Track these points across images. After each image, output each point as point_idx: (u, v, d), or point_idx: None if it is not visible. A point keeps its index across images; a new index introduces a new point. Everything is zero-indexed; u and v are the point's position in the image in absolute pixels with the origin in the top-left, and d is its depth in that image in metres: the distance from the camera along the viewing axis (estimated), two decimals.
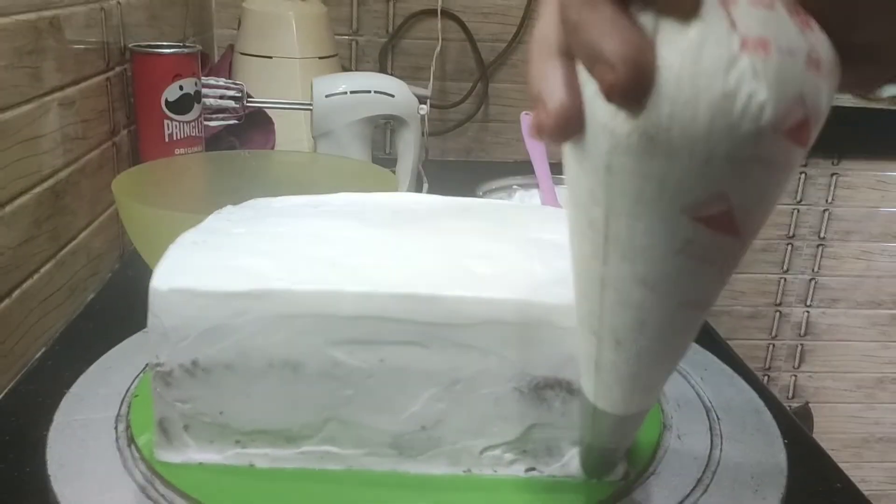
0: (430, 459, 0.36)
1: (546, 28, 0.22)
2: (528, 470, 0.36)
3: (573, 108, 0.21)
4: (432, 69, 1.05)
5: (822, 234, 1.24)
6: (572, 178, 0.23)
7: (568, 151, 0.23)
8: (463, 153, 1.15)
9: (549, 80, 0.22)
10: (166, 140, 0.70)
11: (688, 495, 0.36)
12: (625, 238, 0.22)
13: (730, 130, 0.19)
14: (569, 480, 0.35)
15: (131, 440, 0.38)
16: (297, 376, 0.34)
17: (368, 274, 0.35)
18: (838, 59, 0.20)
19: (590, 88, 0.21)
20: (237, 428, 0.35)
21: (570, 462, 0.35)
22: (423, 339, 0.34)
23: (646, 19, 0.20)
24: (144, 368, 0.44)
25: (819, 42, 0.20)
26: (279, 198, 0.45)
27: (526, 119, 0.78)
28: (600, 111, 0.21)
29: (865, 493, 0.40)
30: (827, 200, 1.23)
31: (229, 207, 0.43)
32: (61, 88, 0.56)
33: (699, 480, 0.37)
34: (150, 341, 0.35)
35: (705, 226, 0.21)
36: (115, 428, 0.39)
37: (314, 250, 0.37)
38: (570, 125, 0.22)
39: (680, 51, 0.19)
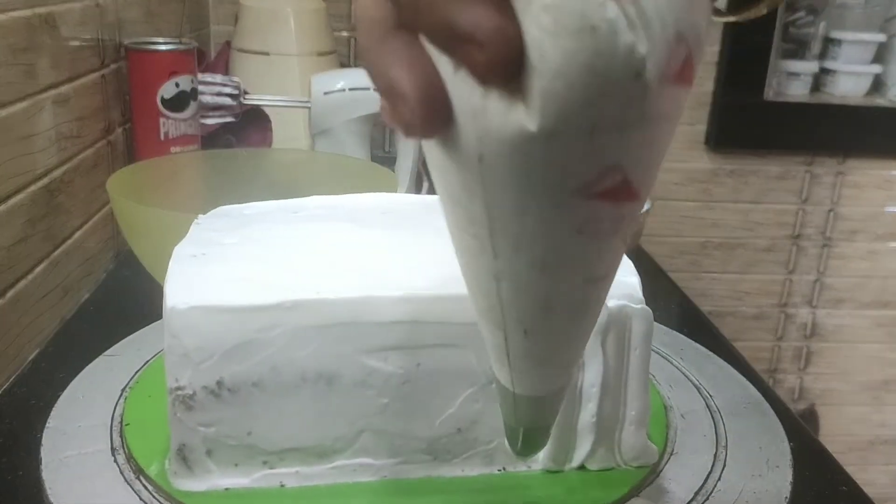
0: (466, 461, 0.35)
1: (371, 3, 0.18)
2: (559, 462, 0.36)
3: (438, 95, 0.18)
4: None
5: (827, 234, 1.23)
6: (440, 171, 0.20)
7: (430, 141, 0.20)
8: None
9: (399, 66, 0.18)
10: (162, 138, 0.70)
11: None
12: (514, 230, 0.20)
13: (612, 95, 0.16)
14: (601, 470, 0.36)
15: (139, 471, 0.36)
16: (330, 388, 0.33)
17: (398, 278, 0.34)
18: None
19: (446, 70, 0.18)
20: (265, 448, 0.34)
21: (596, 452, 0.36)
22: (458, 341, 0.33)
23: None
24: (123, 390, 0.42)
25: None
26: (248, 204, 0.43)
27: None
28: (464, 94, 0.18)
29: (871, 496, 0.39)
30: (832, 200, 1.22)
31: (202, 217, 0.42)
32: (56, 86, 0.56)
33: (708, 475, 0.37)
34: (169, 364, 0.33)
35: (602, 200, 0.19)
36: (115, 461, 0.37)
37: (329, 257, 0.36)
38: (439, 115, 0.18)
39: (536, 13, 0.16)
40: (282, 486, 0.35)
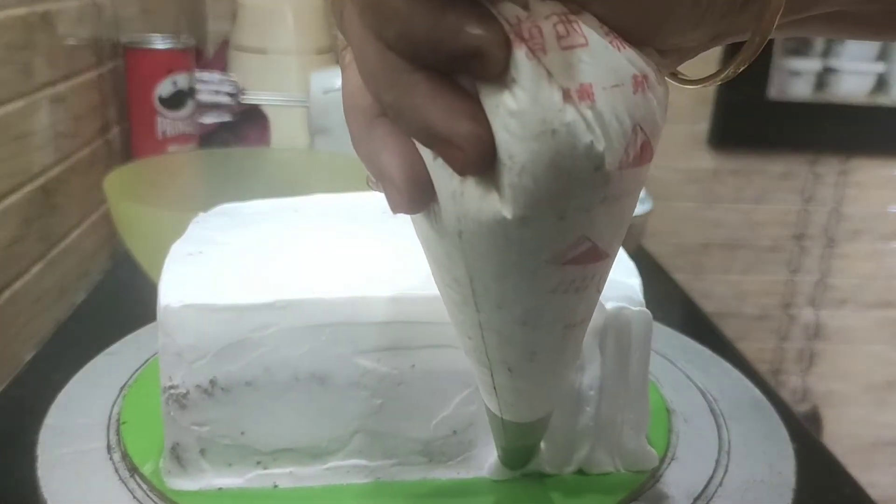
0: (461, 464, 0.35)
1: (355, 92, 0.20)
2: (557, 466, 0.36)
3: (421, 179, 0.20)
4: None
5: (830, 234, 1.23)
6: (426, 239, 0.22)
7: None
8: None
9: (386, 153, 0.20)
10: (159, 137, 0.70)
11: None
12: (494, 291, 0.22)
13: (576, 186, 0.18)
14: (599, 475, 0.35)
15: (133, 470, 0.36)
16: (324, 389, 0.33)
17: (393, 278, 0.34)
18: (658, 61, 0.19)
19: (427, 156, 0.20)
20: (259, 448, 0.34)
21: (595, 456, 0.35)
22: (453, 342, 0.33)
23: (466, 83, 0.18)
24: (122, 389, 0.42)
25: (636, 56, 0.19)
26: (248, 202, 0.43)
27: None
28: (444, 179, 0.19)
29: (875, 497, 0.39)
30: (836, 200, 1.21)
31: (202, 215, 0.42)
32: (52, 84, 0.56)
33: (710, 479, 0.37)
34: (162, 363, 0.33)
35: (574, 264, 0.21)
36: (111, 458, 0.37)
37: (326, 256, 0.36)
38: (422, 197, 0.20)
39: (503, 118, 0.18)
40: (275, 486, 0.34)
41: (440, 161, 0.19)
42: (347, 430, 0.34)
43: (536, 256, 0.20)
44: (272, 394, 0.33)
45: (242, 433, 0.34)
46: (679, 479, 0.36)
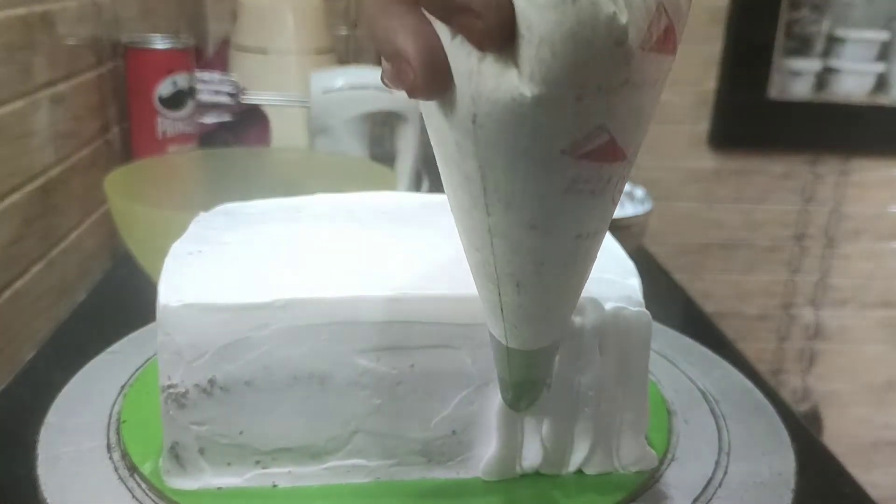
0: (461, 464, 0.35)
1: None
2: (556, 466, 0.35)
3: (439, 59, 0.19)
4: None
5: (831, 234, 1.23)
6: (437, 132, 0.22)
7: (429, 104, 0.21)
8: None
9: (403, 33, 0.20)
10: (159, 137, 0.70)
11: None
12: (505, 188, 0.21)
13: (596, 61, 0.18)
14: (598, 475, 0.35)
15: (133, 469, 0.36)
16: (323, 388, 0.33)
17: (393, 277, 0.34)
18: None
19: (445, 36, 0.19)
20: (258, 448, 0.34)
21: (594, 456, 0.35)
22: (452, 342, 0.33)
23: None
24: (123, 388, 0.42)
25: None
26: (253, 202, 0.44)
27: None
28: (462, 58, 0.19)
29: (875, 497, 0.39)
30: (836, 200, 1.21)
31: (203, 214, 0.42)
32: (52, 84, 0.56)
33: (709, 481, 0.36)
34: (161, 362, 0.33)
35: (589, 160, 0.20)
36: (111, 457, 0.37)
37: (326, 256, 0.36)
38: (440, 78, 0.20)
39: None
40: (274, 486, 0.34)
41: (458, 40, 0.19)
42: (346, 429, 0.34)
43: (551, 144, 0.19)
44: (271, 393, 0.33)
45: (241, 432, 0.34)
46: (679, 480, 0.36)
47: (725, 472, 0.37)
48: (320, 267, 0.35)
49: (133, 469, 0.36)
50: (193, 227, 0.40)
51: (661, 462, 0.37)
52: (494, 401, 0.34)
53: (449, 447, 0.35)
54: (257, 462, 0.34)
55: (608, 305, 0.34)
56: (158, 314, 0.33)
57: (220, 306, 0.32)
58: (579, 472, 0.35)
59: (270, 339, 0.32)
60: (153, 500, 0.34)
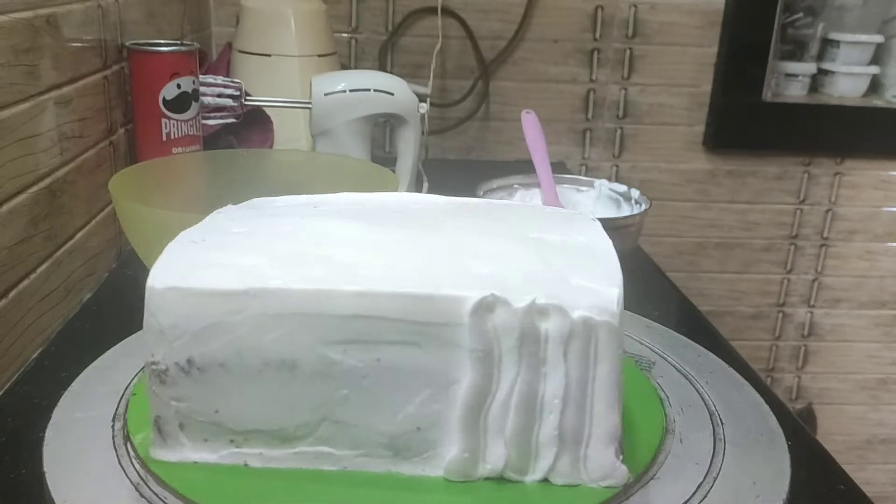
0: (426, 461, 0.35)
1: None
2: (520, 472, 0.35)
3: None
4: (432, 67, 1.04)
5: (825, 234, 1.24)
6: None
7: None
8: (463, 152, 1.14)
9: None
10: (164, 139, 0.70)
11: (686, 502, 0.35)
12: None
13: None
14: (563, 486, 0.35)
15: (127, 438, 0.38)
16: (292, 376, 0.34)
17: (364, 273, 0.35)
18: None
19: None
20: (232, 427, 0.35)
21: (559, 466, 0.35)
22: (418, 339, 0.34)
23: None
24: (143, 368, 0.43)
25: None
26: (280, 197, 0.45)
27: (527, 117, 0.77)
28: None
29: (869, 495, 0.40)
30: (830, 200, 1.22)
31: (230, 207, 0.43)
32: (58, 87, 0.56)
33: (699, 486, 0.36)
34: (146, 339, 0.35)
35: None
36: (112, 426, 0.39)
37: (312, 249, 0.37)
38: None
39: None
40: (246, 465, 0.36)
41: None
42: (314, 416, 0.35)
43: None
44: (243, 376, 0.34)
45: (216, 411, 0.35)
46: (649, 500, 0.35)
47: (705, 497, 0.36)
48: (303, 259, 0.36)
49: (127, 438, 0.38)
50: (210, 218, 0.41)
51: (638, 480, 0.36)
52: (457, 401, 0.34)
53: (414, 443, 0.35)
54: (231, 441, 0.35)
55: (576, 313, 0.33)
56: (146, 295, 0.34)
57: (197, 291, 0.34)
58: (546, 480, 0.35)
59: (243, 324, 0.34)
60: (136, 469, 0.36)
